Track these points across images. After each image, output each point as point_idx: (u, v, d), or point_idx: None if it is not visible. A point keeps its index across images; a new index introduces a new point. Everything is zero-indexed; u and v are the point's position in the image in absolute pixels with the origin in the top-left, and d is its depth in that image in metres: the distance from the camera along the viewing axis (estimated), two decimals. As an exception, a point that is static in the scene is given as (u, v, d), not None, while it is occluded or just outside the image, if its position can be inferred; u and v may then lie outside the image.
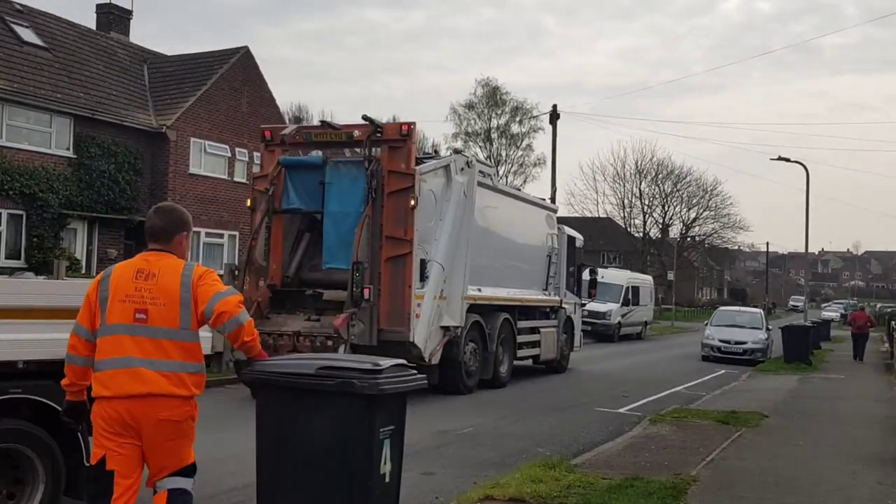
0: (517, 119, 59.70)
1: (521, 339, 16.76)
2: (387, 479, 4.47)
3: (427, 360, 12.99)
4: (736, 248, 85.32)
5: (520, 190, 20.13)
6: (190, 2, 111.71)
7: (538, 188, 36.84)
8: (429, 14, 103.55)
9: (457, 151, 14.31)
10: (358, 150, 12.95)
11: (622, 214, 66.19)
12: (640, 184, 64.78)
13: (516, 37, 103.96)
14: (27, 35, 23.48)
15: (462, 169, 14.20)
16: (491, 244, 15.63)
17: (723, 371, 22.89)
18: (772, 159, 28.43)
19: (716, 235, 69.15)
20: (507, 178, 55.22)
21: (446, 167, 13.82)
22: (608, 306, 33.92)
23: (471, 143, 59.01)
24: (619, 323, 34.62)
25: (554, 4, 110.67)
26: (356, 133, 12.92)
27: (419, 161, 13.70)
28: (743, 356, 26.36)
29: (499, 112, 59.42)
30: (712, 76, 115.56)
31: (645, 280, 40.43)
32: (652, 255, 65.71)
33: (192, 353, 4.34)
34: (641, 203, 65.31)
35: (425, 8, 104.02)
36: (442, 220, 13.61)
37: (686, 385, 18.77)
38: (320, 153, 13.31)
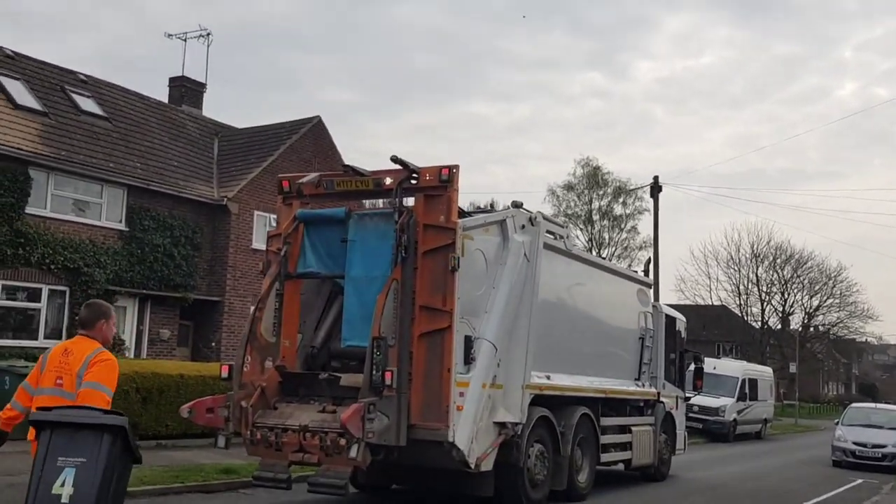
0: (620, 200, 56.83)
1: (605, 439, 13.65)
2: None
3: (473, 465, 10.14)
4: (863, 339, 78.60)
5: (602, 257, 17.13)
6: (300, 98, 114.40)
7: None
8: (534, 106, 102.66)
9: (516, 205, 11.64)
10: (389, 200, 10.49)
11: (738, 302, 61.58)
12: (757, 269, 60.31)
13: (623, 126, 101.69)
14: (86, 104, 22.47)
15: (523, 226, 11.53)
16: (563, 321, 12.78)
17: (860, 481, 19.02)
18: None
19: (841, 325, 63.44)
20: (610, 261, 52.04)
21: (501, 223, 11.17)
22: (721, 401, 30.14)
23: (571, 226, 56.26)
24: (734, 420, 30.65)
25: (662, 95, 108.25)
26: (387, 180, 10.47)
27: (465, 214, 11.14)
28: (882, 462, 22.29)
29: (600, 193, 56.68)
30: (830, 163, 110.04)
31: (764, 372, 36.25)
32: (772, 346, 60.61)
33: None
34: (759, 289, 60.69)
35: (530, 101, 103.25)
36: (495, 288, 10.91)
37: (817, 500, 15.21)
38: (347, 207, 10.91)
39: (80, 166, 20.24)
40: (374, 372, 9.32)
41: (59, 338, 19.67)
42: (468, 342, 10.23)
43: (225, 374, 10.18)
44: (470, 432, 10.02)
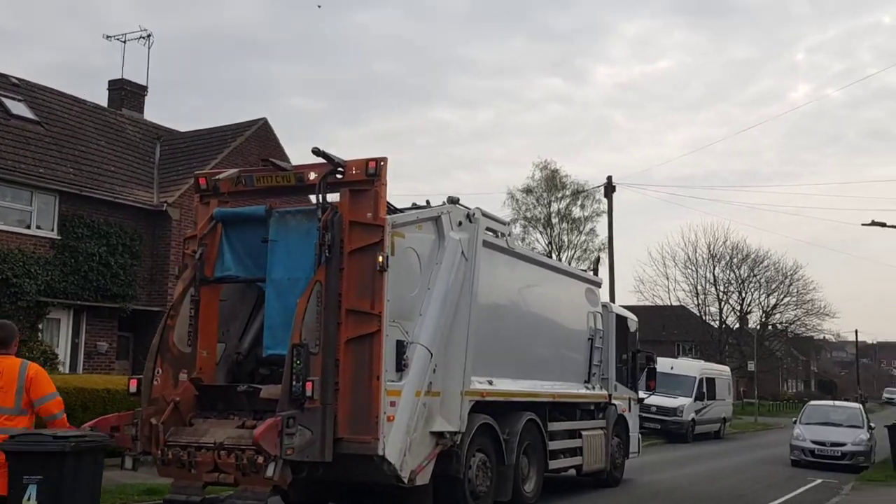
0: (578, 203, 56.49)
1: (554, 445, 13.06)
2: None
3: (407, 479, 9.48)
4: (821, 337, 79.14)
5: (548, 256, 16.58)
6: (264, 107, 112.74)
7: (603, 273, 33.68)
8: (497, 111, 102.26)
9: (452, 201, 11.00)
10: (313, 196, 9.79)
11: (696, 302, 61.45)
12: (714, 269, 60.20)
13: (584, 131, 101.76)
14: (17, 108, 21.49)
15: (460, 223, 10.90)
16: (506, 323, 12.18)
17: (819, 481, 18.66)
18: (864, 224, 24.49)
19: (799, 323, 63.64)
20: (570, 264, 51.67)
21: (435, 220, 10.54)
22: (679, 401, 29.83)
23: (530, 229, 55.90)
24: (692, 420, 30.32)
25: (621, 100, 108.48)
26: (310, 175, 9.78)
27: (396, 210, 10.48)
28: (842, 461, 22.03)
29: (558, 196, 56.29)
30: (785, 164, 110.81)
31: (721, 371, 36.02)
32: (730, 346, 60.60)
33: (23, 423, 6.80)
34: (716, 289, 60.60)
35: (493, 106, 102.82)
36: (430, 288, 10.26)
37: (776, 503, 14.76)
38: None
39: (7, 172, 19.25)
40: (293, 382, 8.62)
41: (-14, 352, 18.67)
42: (400, 347, 9.59)
43: (133, 388, 9.44)
44: (402, 444, 9.37)
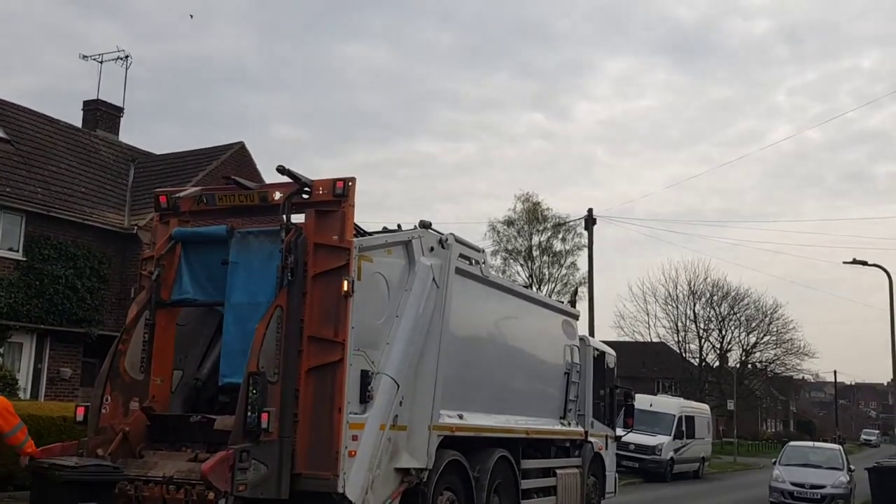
0: (559, 236, 56.23)
1: (527, 484, 12.53)
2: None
3: (368, 519, 8.94)
4: (800, 377, 78.88)
5: (524, 286, 16.17)
6: (246, 136, 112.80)
7: (583, 307, 33.40)
8: (480, 145, 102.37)
9: (424, 225, 10.57)
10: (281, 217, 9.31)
11: (676, 339, 61.15)
12: (695, 305, 59.97)
13: (566, 166, 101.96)
14: (-15, 125, 20.93)
15: (432, 249, 10.46)
16: (479, 354, 11.70)
17: (799, 524, 18.15)
18: (845, 262, 24.26)
19: (778, 362, 63.37)
20: (550, 297, 51.30)
21: (406, 244, 10.09)
22: (658, 439, 29.35)
23: (511, 261, 55.53)
24: (671, 459, 29.83)
25: (603, 136, 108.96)
26: (275, 194, 9.34)
27: (365, 234, 10.03)
28: (821, 503, 21.52)
29: (540, 228, 56.03)
30: (766, 204, 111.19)
31: (701, 409, 35.59)
32: (710, 383, 60.25)
33: None
34: (697, 326, 60.32)
35: (476, 140, 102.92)
36: (398, 316, 9.79)
37: (754, 547, 14.28)
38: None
39: (-30, 190, 18.73)
40: (248, 413, 8.11)
41: (-58, 376, 17.98)
42: (364, 378, 9.08)
43: (80, 416, 8.89)
44: (364, 481, 8.85)
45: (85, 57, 27.58)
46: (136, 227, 21.84)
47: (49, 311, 20.05)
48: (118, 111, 27.09)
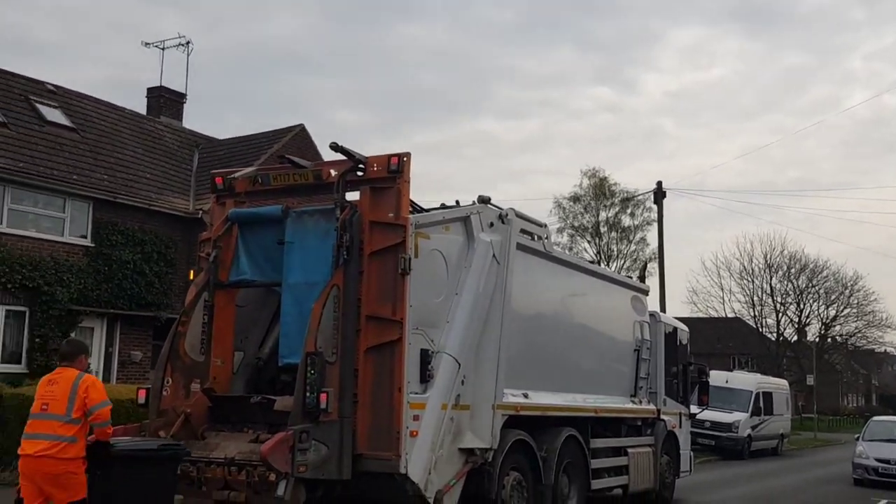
0: (628, 211, 55.31)
1: (597, 463, 12.19)
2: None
3: (432, 500, 8.73)
4: (883, 350, 76.37)
5: (591, 262, 15.73)
6: (307, 120, 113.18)
7: (653, 282, 32.82)
8: (544, 122, 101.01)
9: (483, 200, 10.25)
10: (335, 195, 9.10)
11: (752, 313, 59.68)
12: (771, 279, 58.41)
13: (633, 140, 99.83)
14: (52, 115, 21.28)
15: (491, 224, 10.15)
16: (544, 332, 11.38)
17: (884, 501, 17.46)
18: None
19: (860, 335, 61.39)
20: (619, 273, 50.54)
21: (464, 220, 9.80)
22: (735, 416, 28.59)
23: (578, 238, 54.88)
24: (748, 436, 29.04)
25: (672, 108, 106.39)
26: (329, 172, 9.15)
27: (421, 210, 9.77)
28: (908, 480, 20.66)
29: (607, 204, 55.17)
30: (843, 173, 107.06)
31: (779, 385, 34.59)
32: (789, 359, 58.71)
33: (72, 430, 7.01)
34: (773, 300, 58.78)
35: (540, 117, 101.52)
36: (458, 294, 9.52)
37: (837, 527, 13.70)
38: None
39: (40, 179, 19.01)
40: (307, 394, 7.95)
41: (19, 362, 18.48)
42: (424, 357, 8.85)
43: (142, 399, 8.85)
44: (427, 462, 8.63)
45: (147, 44, 27.90)
46: (200, 212, 21.95)
47: (118, 296, 20.35)
48: (181, 97, 27.34)
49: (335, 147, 8.76)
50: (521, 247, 10.56)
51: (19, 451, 7.19)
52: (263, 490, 7.95)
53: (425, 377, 8.82)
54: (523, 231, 10.81)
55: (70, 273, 19.24)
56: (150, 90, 27.02)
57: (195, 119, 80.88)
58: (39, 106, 21.24)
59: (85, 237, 19.98)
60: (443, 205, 10.52)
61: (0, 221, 18.34)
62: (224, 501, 8.46)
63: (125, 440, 7.79)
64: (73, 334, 19.33)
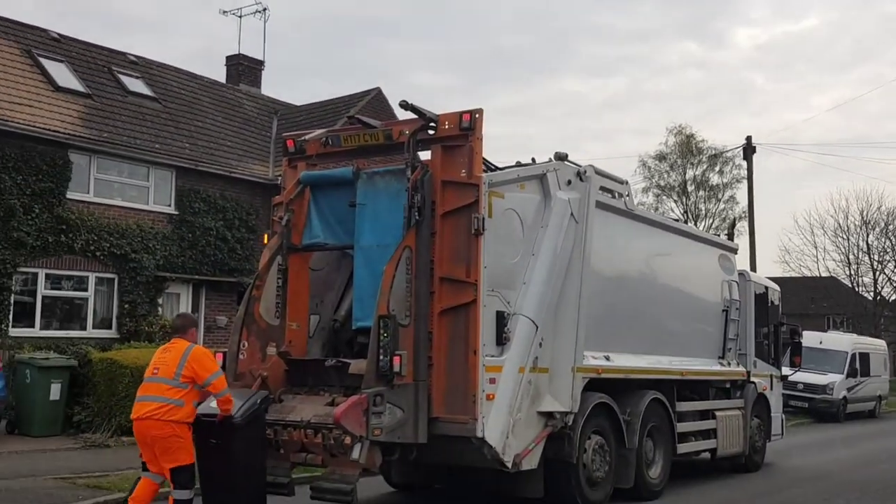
0: (716, 169, 53.76)
1: (683, 427, 11.83)
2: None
3: (510, 464, 8.56)
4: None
5: (674, 220, 15.19)
6: (386, 84, 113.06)
7: (743, 241, 31.90)
8: (629, 80, 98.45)
9: (559, 157, 9.89)
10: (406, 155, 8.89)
11: (848, 272, 57.44)
12: (868, 236, 56.04)
13: (721, 95, 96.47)
14: (134, 85, 21.59)
15: (569, 182, 9.81)
16: (625, 292, 11.01)
17: None
18: None
19: (962, 293, 58.61)
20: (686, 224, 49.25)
21: (540, 178, 9.48)
22: (829, 378, 27.60)
23: (664, 198, 53.69)
24: (843, 398, 28.03)
25: (762, 62, 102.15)
26: (400, 132, 8.93)
27: (495, 169, 9.48)
28: None
29: (694, 162, 53.72)
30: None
31: (877, 346, 33.24)
32: (887, 318, 56.47)
33: (179, 394, 7.48)
34: (870, 258, 56.41)
35: (625, 75, 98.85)
36: (535, 254, 9.25)
37: (940, 493, 13.02)
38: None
39: (124, 148, 19.33)
40: (380, 357, 7.83)
41: (109, 327, 18.95)
42: (500, 319, 8.63)
43: (219, 363, 8.85)
44: (504, 425, 8.45)
45: (224, 12, 28.06)
46: (280, 178, 22.11)
47: (202, 262, 20.67)
48: (259, 64, 27.48)
49: (405, 105, 8.54)
50: (600, 205, 10.20)
51: (132, 416, 7.63)
52: (339, 453, 7.91)
53: (501, 340, 8.61)
54: (603, 188, 10.44)
55: (155, 240, 19.61)
56: (228, 58, 27.23)
57: (274, 86, 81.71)
58: (122, 77, 21.57)
59: (169, 205, 20.31)
60: (518, 163, 10.21)
61: (87, 191, 18.74)
62: (301, 464, 8.48)
63: (236, 404, 7.90)
64: (160, 300, 19.78)
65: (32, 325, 17.59)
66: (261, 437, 8.09)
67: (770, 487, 12.80)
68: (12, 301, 17.17)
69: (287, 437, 8.29)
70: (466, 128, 8.54)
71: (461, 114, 8.61)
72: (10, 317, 17.07)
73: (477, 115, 8.56)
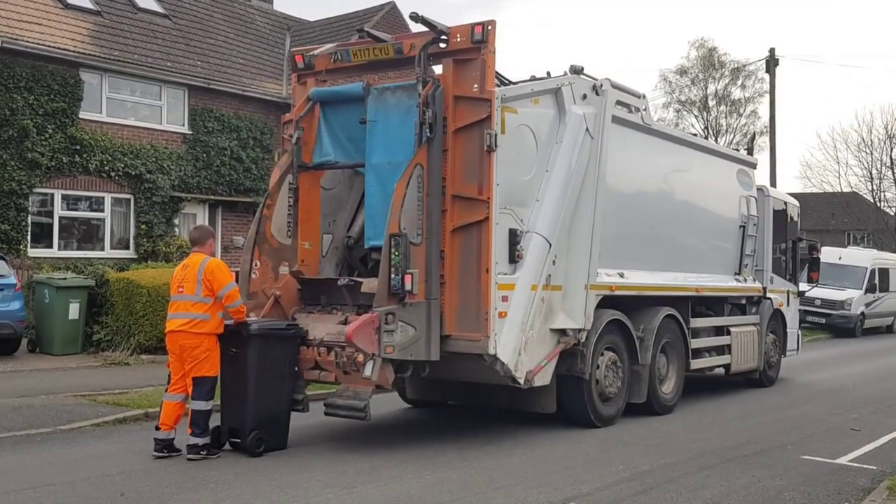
0: (738, 83, 52.81)
1: (696, 343, 11.82)
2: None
3: (523, 380, 8.61)
4: None
5: (692, 134, 14.92)
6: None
7: (764, 157, 31.30)
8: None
9: (575, 70, 9.65)
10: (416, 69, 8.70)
11: (870, 188, 56.67)
12: (892, 151, 55.18)
13: (744, 5, 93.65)
14: (144, 2, 21.28)
15: (584, 96, 9.59)
16: (640, 208, 10.88)
17: None
18: None
19: None
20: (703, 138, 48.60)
21: (554, 92, 9.27)
22: (847, 293, 27.48)
23: (684, 113, 52.91)
24: (861, 314, 27.96)
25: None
26: (410, 45, 8.72)
27: (508, 83, 9.27)
28: None
29: (716, 76, 52.73)
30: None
31: (897, 261, 33.00)
32: (908, 233, 56.02)
33: (203, 308, 7.81)
34: (893, 173, 55.74)
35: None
36: (548, 171, 9.11)
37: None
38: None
39: (135, 66, 19.14)
40: (392, 275, 7.80)
41: (127, 247, 19.10)
42: (513, 237, 8.56)
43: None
44: (516, 342, 8.46)
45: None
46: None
47: (217, 182, 20.66)
48: (271, -21, 26.95)
49: (415, 17, 8.33)
50: (616, 119, 10.01)
51: (165, 329, 8.01)
52: (352, 370, 7.97)
53: (514, 258, 8.56)
54: (619, 103, 10.22)
55: (170, 160, 19.57)
56: (239, -27, 26.67)
57: (285, 2, 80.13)
58: (131, -8, 21.23)
59: (182, 125, 20.19)
60: (532, 77, 9.97)
61: (100, 111, 18.65)
62: (315, 381, 8.56)
63: (258, 321, 8.32)
64: (176, 220, 19.85)
65: (50, 246, 17.75)
66: (281, 357, 8.14)
67: (783, 402, 12.85)
68: (30, 222, 17.28)
69: (301, 356, 8.35)
70: (479, 40, 8.32)
71: (473, 26, 8.38)
72: (28, 237, 17.21)
73: (489, 28, 8.33)
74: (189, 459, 7.69)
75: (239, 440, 8.00)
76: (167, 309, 8.16)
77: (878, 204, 56.53)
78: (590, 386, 9.56)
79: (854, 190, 57.59)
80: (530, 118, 8.87)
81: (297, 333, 8.33)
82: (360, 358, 7.84)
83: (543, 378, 8.94)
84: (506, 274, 8.42)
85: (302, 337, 8.32)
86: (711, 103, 53.71)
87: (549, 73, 9.90)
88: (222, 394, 8.21)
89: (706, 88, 53.59)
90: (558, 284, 9.11)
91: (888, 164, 54.97)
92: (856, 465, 8.48)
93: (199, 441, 7.76)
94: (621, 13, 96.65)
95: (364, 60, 9.11)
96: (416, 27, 8.68)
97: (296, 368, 8.31)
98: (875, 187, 56.02)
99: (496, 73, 8.60)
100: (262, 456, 7.89)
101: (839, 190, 57.29)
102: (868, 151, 55.00)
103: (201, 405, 7.81)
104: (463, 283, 8.31)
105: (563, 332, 9.13)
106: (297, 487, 6.92)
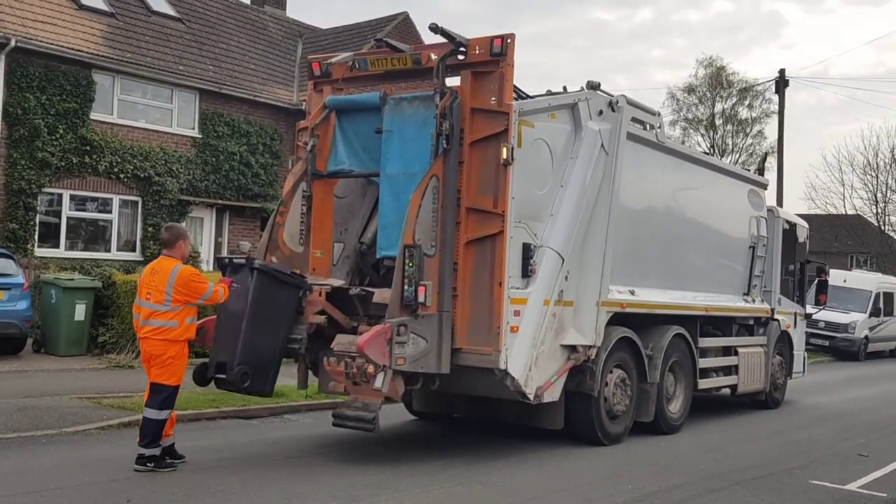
0: (746, 102, 52.83)
1: (704, 363, 11.77)
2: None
3: (532, 396, 8.55)
4: None
5: (705, 153, 14.87)
6: (413, 9, 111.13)
7: (771, 177, 31.24)
8: (658, 10, 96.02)
9: (592, 86, 9.63)
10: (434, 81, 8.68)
11: (874, 211, 56.68)
12: (897, 175, 55.19)
13: (752, 28, 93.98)
14: (158, 5, 21.33)
15: (601, 112, 9.57)
16: (653, 226, 10.85)
17: None
18: None
19: None
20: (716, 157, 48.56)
21: (571, 107, 9.25)
22: (852, 317, 27.40)
23: (691, 131, 52.94)
24: (865, 337, 27.87)
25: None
26: (429, 56, 8.70)
27: (526, 97, 9.25)
28: None
29: (724, 95, 52.76)
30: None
31: (901, 285, 32.89)
32: (912, 258, 55.92)
33: (169, 316, 7.48)
34: (898, 197, 55.70)
35: (654, 4, 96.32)
36: (563, 186, 9.08)
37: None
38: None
39: (147, 69, 19.18)
40: (405, 286, 7.76)
41: (133, 249, 19.08)
42: (527, 251, 8.53)
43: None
44: (527, 358, 8.41)
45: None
46: (304, 103, 21.88)
47: (226, 187, 20.66)
48: (285, -14, 27.02)
49: (435, 28, 8.30)
50: (631, 136, 9.98)
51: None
52: (362, 381, 7.92)
53: (527, 272, 8.52)
54: (635, 119, 10.20)
55: (179, 163, 19.57)
56: (253, -21, 26.76)
57: (299, 9, 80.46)
58: (146, -5, 21.29)
59: (192, 128, 20.20)
60: (549, 91, 9.97)
61: (111, 112, 18.66)
62: (324, 391, 8.51)
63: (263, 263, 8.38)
64: (184, 224, 19.81)
65: (57, 246, 17.75)
66: (281, 301, 8.12)
67: (789, 424, 12.78)
68: (38, 221, 17.27)
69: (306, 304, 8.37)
70: (497, 53, 8.31)
71: (492, 38, 8.37)
72: (36, 237, 17.19)
73: (508, 41, 8.31)
74: (136, 471, 7.37)
75: (225, 376, 7.84)
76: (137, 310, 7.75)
77: (882, 227, 56.51)
78: (598, 403, 9.51)
79: (859, 212, 57.60)
80: (547, 132, 8.85)
81: (300, 283, 8.32)
82: (371, 369, 7.79)
83: (553, 394, 8.89)
84: (518, 288, 8.38)
85: (305, 289, 8.35)
86: (718, 122, 53.71)
87: (565, 88, 9.89)
88: (216, 329, 8.08)
89: (713, 107, 53.61)
90: (570, 300, 9.07)
91: (893, 187, 55.04)
92: (865, 491, 8.41)
93: (147, 452, 7.43)
94: (627, 28, 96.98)
95: (381, 70, 9.09)
96: (432, 39, 8.67)
97: (292, 318, 8.25)
98: (880, 210, 55.99)
99: (514, 86, 8.59)
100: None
101: (844, 212, 57.32)
102: (873, 174, 55.03)
103: (153, 413, 7.46)
104: (475, 296, 8.27)
105: (573, 348, 9.09)
106: (304, 498, 6.87)
